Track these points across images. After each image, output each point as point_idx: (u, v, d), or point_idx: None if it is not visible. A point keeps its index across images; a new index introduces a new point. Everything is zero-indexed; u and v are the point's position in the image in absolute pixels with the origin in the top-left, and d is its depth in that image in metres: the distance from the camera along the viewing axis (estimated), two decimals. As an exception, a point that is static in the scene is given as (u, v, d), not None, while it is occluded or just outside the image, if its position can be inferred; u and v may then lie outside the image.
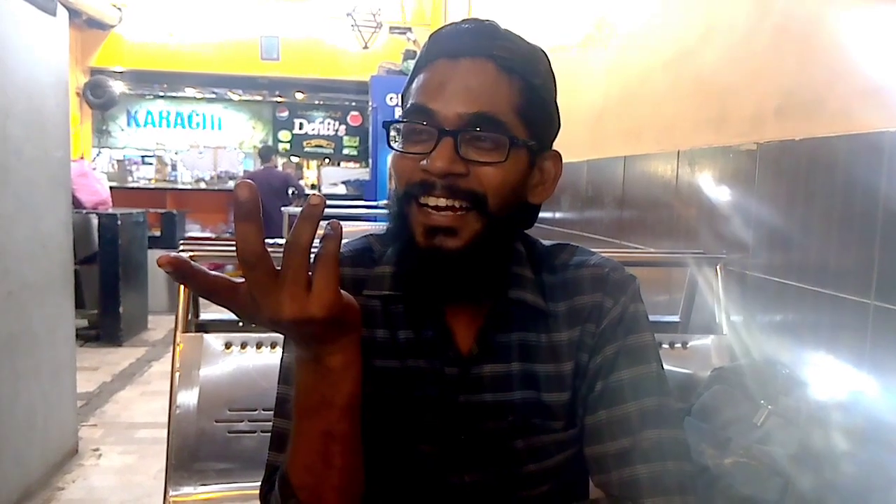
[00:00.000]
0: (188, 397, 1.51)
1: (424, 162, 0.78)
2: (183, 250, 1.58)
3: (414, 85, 0.84)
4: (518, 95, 0.81)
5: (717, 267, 1.84)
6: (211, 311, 1.72)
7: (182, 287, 1.58)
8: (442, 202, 0.78)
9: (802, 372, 1.47)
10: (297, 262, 0.63)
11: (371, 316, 0.87)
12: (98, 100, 8.23)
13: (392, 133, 0.84)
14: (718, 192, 1.98)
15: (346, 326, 0.68)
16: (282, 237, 2.52)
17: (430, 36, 0.86)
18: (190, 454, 1.48)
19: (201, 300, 1.77)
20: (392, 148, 0.84)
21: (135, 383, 4.43)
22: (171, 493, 1.44)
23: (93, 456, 3.29)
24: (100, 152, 10.10)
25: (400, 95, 0.92)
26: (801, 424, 1.38)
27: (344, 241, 0.72)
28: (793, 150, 1.60)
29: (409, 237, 0.81)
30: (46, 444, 3.02)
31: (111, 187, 6.25)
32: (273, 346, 1.58)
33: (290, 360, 0.87)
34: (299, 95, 11.19)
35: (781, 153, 1.65)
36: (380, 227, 0.89)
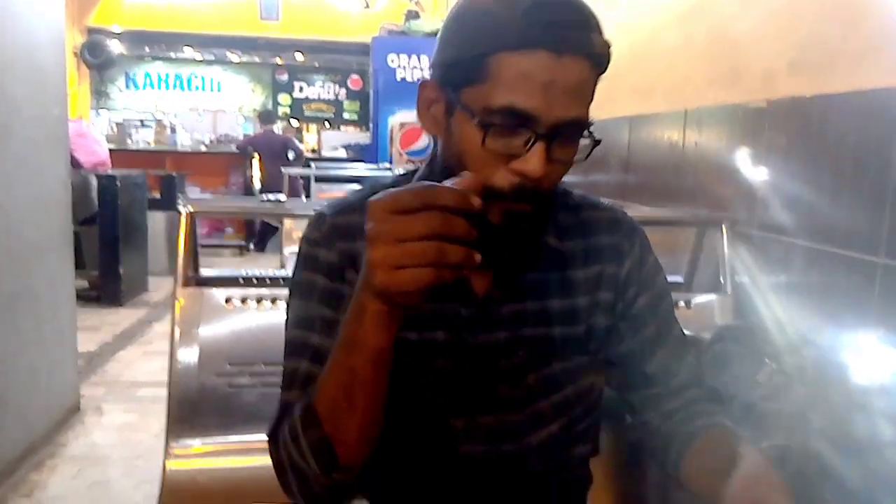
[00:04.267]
0: (188, 351, 1.51)
1: (518, 164, 0.75)
2: (182, 205, 1.56)
3: (507, 71, 0.73)
4: (594, 91, 0.79)
5: (723, 227, 1.82)
6: (211, 267, 1.71)
7: (181, 242, 1.56)
8: (525, 206, 0.78)
9: (808, 330, 1.46)
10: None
11: None
12: (96, 60, 8.13)
13: (462, 109, 0.77)
14: (726, 152, 1.95)
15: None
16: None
17: (521, 7, 0.73)
18: (191, 408, 1.47)
19: (201, 255, 1.75)
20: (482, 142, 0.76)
21: (136, 343, 4.44)
22: (172, 445, 1.44)
23: (95, 413, 3.31)
24: (98, 114, 10.00)
25: (446, 49, 0.80)
26: (806, 382, 1.37)
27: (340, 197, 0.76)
28: (804, 107, 1.57)
29: (477, 220, 0.79)
30: (49, 401, 3.03)
31: (110, 150, 6.21)
32: (274, 301, 1.56)
33: (308, 309, 0.87)
34: (299, 57, 11.03)
35: (792, 111, 1.62)
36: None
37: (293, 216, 2.44)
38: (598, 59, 0.76)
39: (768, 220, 1.71)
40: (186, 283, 1.57)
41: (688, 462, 0.88)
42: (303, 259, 0.90)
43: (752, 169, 1.79)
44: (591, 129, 0.78)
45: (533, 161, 0.74)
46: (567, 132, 0.76)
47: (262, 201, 1.63)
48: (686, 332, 0.98)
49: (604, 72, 0.78)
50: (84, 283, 5.33)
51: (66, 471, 2.72)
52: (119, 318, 4.93)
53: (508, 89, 0.73)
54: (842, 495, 1.27)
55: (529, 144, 0.74)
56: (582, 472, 1.00)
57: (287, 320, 0.91)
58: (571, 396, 0.91)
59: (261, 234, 7.86)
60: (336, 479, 0.77)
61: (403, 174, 0.97)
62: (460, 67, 0.77)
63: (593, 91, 0.78)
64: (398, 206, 0.62)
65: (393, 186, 0.88)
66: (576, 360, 0.91)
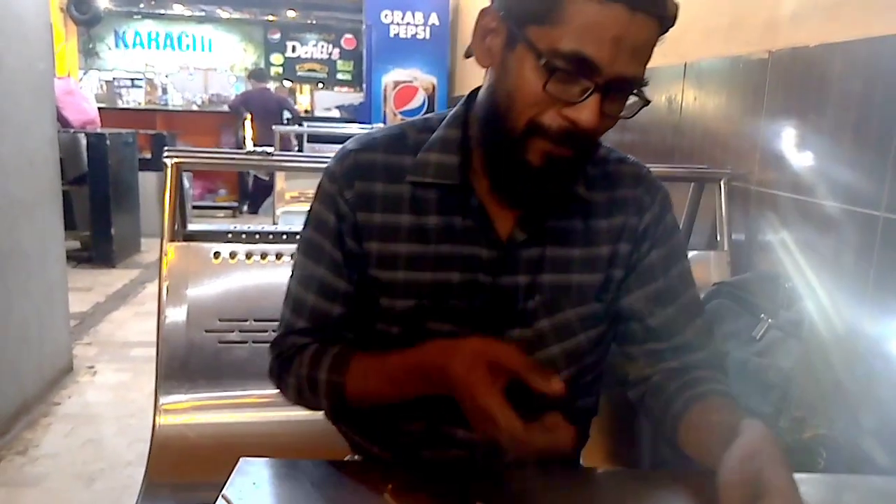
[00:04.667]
0: (177, 307, 1.48)
1: (570, 112, 0.76)
2: (167, 156, 1.52)
3: (582, 18, 0.73)
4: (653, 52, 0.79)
5: (721, 183, 1.79)
6: (199, 222, 1.68)
7: (167, 195, 1.53)
8: (566, 151, 0.79)
9: (805, 286, 1.44)
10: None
11: (397, 202, 0.89)
12: (83, 16, 7.95)
13: (526, 45, 0.76)
14: (726, 106, 1.91)
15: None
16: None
17: None
18: (180, 364, 1.46)
19: (188, 210, 1.72)
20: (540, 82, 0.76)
21: (129, 303, 4.42)
22: (161, 401, 1.42)
23: (88, 373, 3.30)
24: (86, 72, 9.83)
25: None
26: (802, 337, 1.36)
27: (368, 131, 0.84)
28: (806, 57, 1.53)
29: (516, 158, 0.81)
30: (41, 360, 3.02)
31: (100, 108, 6.10)
32: (263, 256, 1.54)
33: (319, 243, 0.92)
34: (291, 13, 10.84)
35: (794, 61, 1.58)
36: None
37: (282, 168, 2.40)
38: (667, 21, 0.77)
39: (767, 175, 1.68)
40: (174, 238, 1.53)
41: (685, 427, 0.86)
42: (321, 191, 0.93)
43: (751, 123, 1.75)
44: (644, 88, 0.79)
45: (586, 111, 0.75)
46: (622, 88, 0.77)
47: (250, 153, 1.59)
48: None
49: (666, 33, 0.78)
50: (76, 244, 5.29)
51: (60, 429, 2.73)
52: (111, 279, 4.90)
53: (579, 36, 0.73)
54: (835, 450, 1.27)
55: (586, 95, 0.75)
56: (581, 427, 1.01)
57: (299, 240, 0.96)
58: (583, 344, 0.93)
59: (254, 196, 7.78)
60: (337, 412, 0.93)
61: (435, 115, 0.97)
62: (531, 4, 0.76)
63: (651, 53, 0.78)
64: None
65: (425, 129, 0.92)
66: (590, 307, 0.92)
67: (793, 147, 1.58)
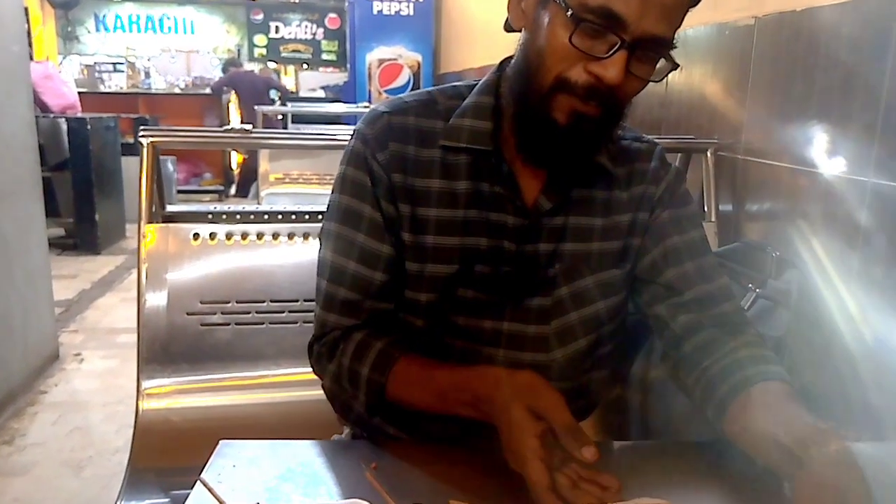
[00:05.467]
0: (157, 290, 1.46)
1: (597, 67, 0.76)
2: (143, 136, 1.48)
3: None
4: (684, 19, 0.79)
5: (708, 153, 1.77)
6: (178, 203, 1.64)
7: (144, 175, 1.49)
8: (594, 107, 0.78)
9: (794, 254, 1.43)
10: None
11: (429, 166, 0.89)
12: (60, -1, 7.80)
13: (554, 9, 0.77)
14: (712, 75, 1.89)
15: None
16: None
17: None
18: (162, 347, 1.43)
19: (173, 194, 1.68)
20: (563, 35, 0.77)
21: (114, 290, 4.38)
22: (144, 385, 1.40)
23: (74, 360, 3.27)
24: (65, 57, 9.66)
25: None
26: (791, 307, 1.35)
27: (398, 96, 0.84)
28: (793, 21, 1.50)
29: (542, 116, 0.81)
30: (26, 348, 2.98)
31: (81, 93, 6.00)
32: (244, 236, 1.51)
33: (351, 218, 0.91)
34: (274, -7, 10.68)
35: (781, 26, 1.55)
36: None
37: (261, 146, 2.35)
38: None
39: (755, 144, 1.66)
40: (152, 220, 1.50)
41: (738, 412, 0.82)
42: (352, 155, 0.92)
43: (738, 92, 1.73)
44: (673, 52, 0.78)
45: (612, 68, 0.75)
46: (650, 48, 0.76)
47: (229, 130, 1.55)
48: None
49: (697, 3, 0.79)
50: (60, 231, 5.23)
51: (47, 417, 2.70)
52: (96, 266, 4.85)
53: None
54: (820, 415, 1.26)
55: (613, 50, 0.75)
56: (592, 399, 1.02)
57: (326, 217, 0.94)
58: (601, 312, 0.94)
59: (244, 180, 7.70)
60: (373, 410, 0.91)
61: (463, 83, 0.97)
62: None
63: (683, 18, 0.78)
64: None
65: (455, 96, 0.92)
66: (609, 274, 0.93)
67: (780, 115, 1.56)
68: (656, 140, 0.99)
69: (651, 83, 0.81)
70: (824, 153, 1.40)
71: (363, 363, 0.88)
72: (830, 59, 1.39)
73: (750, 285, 1.42)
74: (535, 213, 0.90)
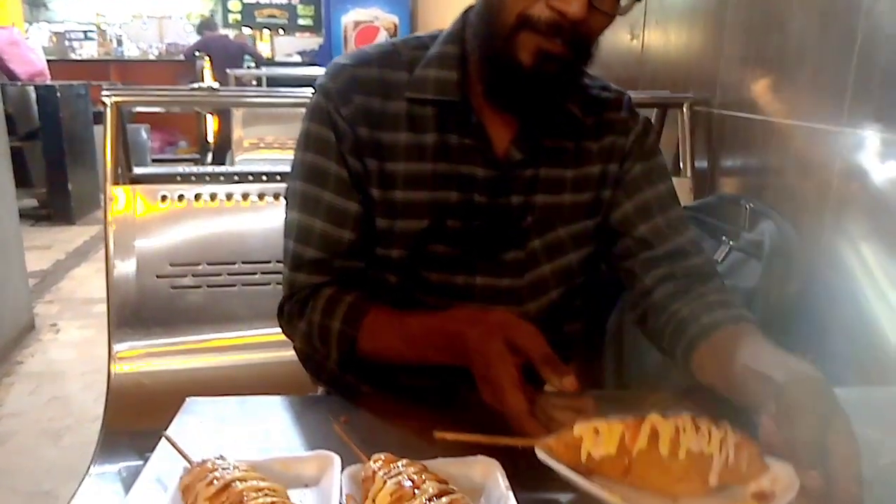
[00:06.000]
0: (125, 253, 1.43)
1: (559, 2, 0.75)
2: (105, 96, 1.44)
3: None
4: None
5: (684, 107, 1.76)
6: (145, 165, 1.61)
7: (108, 136, 1.45)
8: (558, 44, 0.77)
9: (767, 206, 1.43)
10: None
11: (395, 119, 0.87)
12: (24, -38, 7.54)
13: None
14: (688, 29, 1.87)
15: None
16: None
17: None
18: (132, 311, 1.41)
19: (139, 157, 1.64)
20: None
21: (89, 260, 4.32)
22: (115, 349, 1.38)
23: (50, 331, 3.24)
24: (32, 24, 9.39)
25: None
26: (763, 258, 1.35)
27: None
28: (768, -29, 1.48)
29: (506, 58, 0.79)
30: (1, 320, 2.94)
31: (50, 61, 5.85)
32: (213, 197, 1.48)
33: (316, 174, 0.88)
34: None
35: (755, -24, 1.53)
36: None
37: (229, 104, 2.30)
38: None
39: (729, 97, 1.65)
40: (117, 182, 1.46)
41: (705, 354, 0.82)
42: (314, 110, 0.89)
43: (713, 45, 1.71)
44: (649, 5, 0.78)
45: (575, 1, 0.74)
46: None
47: (195, 89, 1.52)
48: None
49: None
50: (33, 202, 5.14)
51: (24, 388, 2.68)
52: (71, 236, 4.79)
53: None
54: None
55: None
56: (566, 353, 0.99)
57: (291, 176, 0.92)
58: (574, 264, 0.93)
59: (217, 149, 7.58)
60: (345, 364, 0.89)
61: (426, 33, 0.94)
62: None
63: None
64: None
65: (419, 46, 0.90)
66: (581, 225, 0.93)
67: (754, 67, 1.55)
68: (628, 92, 0.97)
69: (611, 27, 0.80)
70: (798, 104, 1.40)
71: (334, 318, 0.86)
72: (804, 8, 1.37)
73: (724, 238, 1.42)
74: (506, 164, 0.88)
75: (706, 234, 1.45)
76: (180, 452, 0.68)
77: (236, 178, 1.61)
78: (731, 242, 1.39)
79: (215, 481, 0.59)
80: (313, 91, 0.90)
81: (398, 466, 0.61)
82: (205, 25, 7.74)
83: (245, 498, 0.56)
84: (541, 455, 0.64)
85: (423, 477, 0.59)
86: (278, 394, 0.91)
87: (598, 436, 0.64)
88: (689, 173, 1.75)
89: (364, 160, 0.87)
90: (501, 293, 0.91)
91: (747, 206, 1.42)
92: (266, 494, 0.57)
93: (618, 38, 2.24)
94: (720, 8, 1.66)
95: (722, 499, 0.63)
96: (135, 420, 1.32)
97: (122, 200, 1.46)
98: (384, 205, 0.88)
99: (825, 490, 0.58)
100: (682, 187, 1.71)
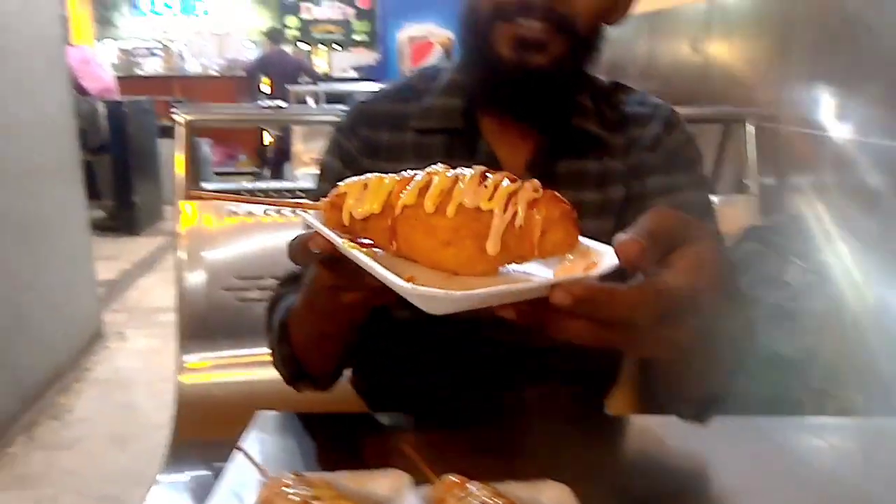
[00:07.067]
0: (194, 266, 1.47)
1: None
2: (177, 113, 1.50)
3: None
4: None
5: (748, 123, 1.72)
6: (213, 180, 1.66)
7: (179, 152, 1.51)
8: (536, 25, 0.74)
9: (839, 228, 1.38)
10: None
11: (401, 151, 0.87)
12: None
13: None
14: (752, 45, 1.83)
15: None
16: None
17: None
18: (201, 322, 1.45)
19: (203, 170, 1.70)
20: None
21: (155, 270, 4.46)
22: (184, 360, 1.42)
23: (118, 339, 3.35)
24: (101, 41, 9.79)
25: None
26: (835, 281, 1.31)
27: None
28: (840, -15, 1.44)
29: (488, 55, 0.78)
30: (71, 327, 3.06)
31: (117, 77, 6.08)
32: (279, 211, 1.51)
33: (318, 192, 0.87)
34: (304, -26, 10.65)
35: (826, -10, 1.49)
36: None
37: (294, 121, 2.36)
38: None
39: (796, 114, 1.61)
40: (189, 198, 1.51)
41: None
42: (330, 144, 0.92)
43: (780, 61, 1.67)
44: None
45: None
46: None
47: (262, 107, 1.56)
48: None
49: None
50: (101, 213, 5.33)
51: (92, 394, 2.78)
52: (137, 247, 4.95)
53: None
54: (870, 391, 1.23)
55: None
56: (609, 371, 0.98)
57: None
58: None
59: (275, 161, 7.75)
60: (303, 387, 0.87)
61: (452, 62, 0.92)
62: None
63: None
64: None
65: (433, 77, 0.89)
66: None
67: (824, 83, 1.51)
68: (672, 106, 0.90)
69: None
70: (870, 122, 1.35)
71: (274, 336, 0.84)
72: (878, 23, 1.33)
73: (794, 259, 1.39)
74: None
75: (776, 253, 1.42)
76: (257, 466, 0.70)
77: (298, 192, 1.65)
78: (802, 264, 1.35)
79: (295, 497, 0.60)
80: None
81: (471, 489, 0.61)
82: (271, 35, 7.91)
83: (325, 515, 0.57)
84: (307, 218, 0.57)
85: (496, 501, 0.59)
86: (341, 409, 0.93)
87: (366, 191, 0.53)
88: (754, 189, 1.71)
89: None
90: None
91: (820, 228, 1.38)
92: (345, 513, 0.58)
93: (679, 51, 2.21)
94: (786, 23, 1.63)
95: (516, 276, 0.50)
96: (203, 430, 1.36)
97: (192, 215, 1.50)
98: None
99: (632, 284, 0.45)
100: (749, 205, 1.68)
